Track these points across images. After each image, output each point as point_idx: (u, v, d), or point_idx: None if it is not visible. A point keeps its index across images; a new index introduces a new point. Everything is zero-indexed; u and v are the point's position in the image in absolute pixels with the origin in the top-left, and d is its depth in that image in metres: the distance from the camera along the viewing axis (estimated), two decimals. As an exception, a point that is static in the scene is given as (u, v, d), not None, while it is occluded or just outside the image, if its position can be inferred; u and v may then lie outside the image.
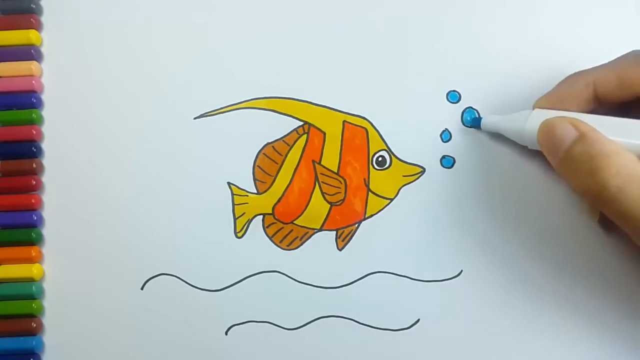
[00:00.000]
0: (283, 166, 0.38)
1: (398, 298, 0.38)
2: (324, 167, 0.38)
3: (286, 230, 0.38)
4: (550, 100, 0.31)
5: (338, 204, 0.38)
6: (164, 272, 0.38)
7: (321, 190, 0.38)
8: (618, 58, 0.32)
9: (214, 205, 0.38)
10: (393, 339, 0.38)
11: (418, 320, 0.38)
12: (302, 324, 0.38)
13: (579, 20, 0.40)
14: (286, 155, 0.38)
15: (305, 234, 0.38)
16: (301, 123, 0.39)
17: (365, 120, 0.39)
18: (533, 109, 0.33)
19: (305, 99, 0.39)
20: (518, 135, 0.35)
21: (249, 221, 0.38)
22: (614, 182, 0.27)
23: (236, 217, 0.38)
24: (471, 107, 0.39)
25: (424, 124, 0.39)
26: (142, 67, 0.39)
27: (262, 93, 0.39)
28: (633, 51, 0.32)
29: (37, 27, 0.39)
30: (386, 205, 0.38)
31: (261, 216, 0.38)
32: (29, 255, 0.37)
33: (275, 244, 0.38)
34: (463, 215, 0.38)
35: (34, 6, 0.39)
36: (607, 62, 0.33)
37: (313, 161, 0.38)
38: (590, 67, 0.34)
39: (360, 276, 0.38)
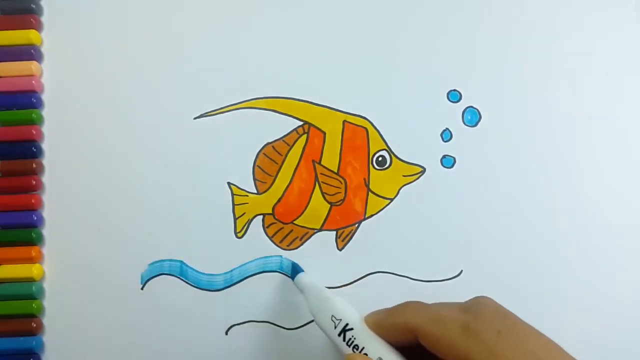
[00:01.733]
0: (283, 166, 0.38)
1: (398, 298, 0.38)
2: (324, 167, 0.38)
3: (286, 230, 0.38)
4: (374, 326, 0.31)
5: (338, 204, 0.38)
6: (164, 272, 0.38)
7: (321, 190, 0.38)
8: (448, 314, 0.29)
9: (214, 205, 0.38)
10: (393, 339, 0.37)
11: (418, 321, 0.38)
12: (302, 324, 0.38)
13: (579, 21, 0.40)
14: (286, 155, 0.38)
15: (305, 234, 0.38)
16: (301, 123, 0.39)
17: (365, 120, 0.39)
18: (364, 320, 0.31)
19: (305, 99, 0.39)
20: (312, 313, 0.33)
21: (249, 221, 0.38)
22: None
23: (236, 217, 0.38)
24: (472, 107, 0.39)
25: (425, 123, 0.39)
26: (142, 67, 0.39)
27: (262, 93, 0.39)
28: (467, 312, 0.29)
29: (37, 27, 0.39)
30: (386, 205, 0.38)
31: (261, 216, 0.38)
32: (29, 255, 0.37)
33: (275, 244, 0.38)
34: (463, 215, 0.38)
35: (34, 6, 0.39)
36: (441, 308, 0.30)
37: (313, 161, 0.38)
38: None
39: (360, 276, 0.38)
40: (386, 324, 0.31)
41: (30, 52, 0.38)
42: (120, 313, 0.37)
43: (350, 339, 0.31)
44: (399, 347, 0.30)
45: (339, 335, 0.31)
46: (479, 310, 0.29)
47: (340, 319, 0.31)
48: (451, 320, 0.29)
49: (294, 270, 0.37)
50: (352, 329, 0.31)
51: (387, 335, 0.30)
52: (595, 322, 0.38)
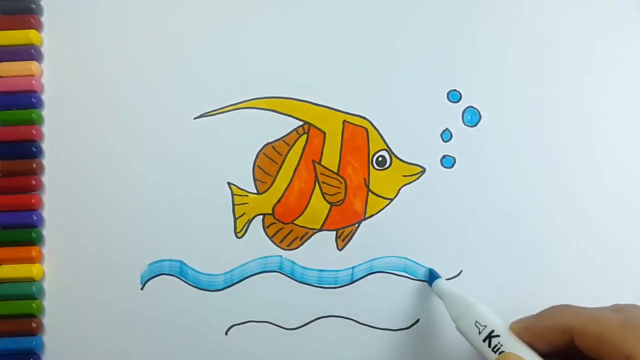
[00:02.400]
0: (283, 166, 0.38)
1: (398, 298, 0.38)
2: (324, 167, 0.38)
3: (286, 230, 0.38)
4: (523, 332, 0.31)
5: (338, 204, 0.38)
6: (164, 272, 0.38)
7: (321, 190, 0.38)
8: (605, 313, 0.30)
9: (214, 205, 0.38)
10: (393, 339, 0.37)
11: (418, 320, 0.38)
12: (302, 324, 0.38)
13: (579, 21, 0.40)
14: (286, 155, 0.38)
15: (305, 234, 0.38)
16: (301, 123, 0.39)
17: (365, 120, 0.39)
18: (510, 327, 0.32)
19: (305, 99, 0.39)
20: (454, 318, 0.34)
21: (249, 221, 0.38)
22: None
23: (236, 217, 0.38)
24: (472, 107, 0.39)
25: (425, 123, 0.39)
26: (142, 67, 0.39)
27: (262, 93, 0.39)
28: (620, 312, 0.30)
29: (37, 27, 0.39)
30: (386, 205, 0.38)
31: (261, 216, 0.38)
32: (29, 255, 0.37)
33: (276, 244, 0.38)
34: (463, 215, 0.38)
35: (34, 6, 0.39)
36: (594, 309, 0.31)
37: (313, 161, 0.38)
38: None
39: (360, 276, 0.38)
40: (538, 328, 0.31)
41: (30, 52, 0.38)
42: (120, 313, 0.37)
43: (496, 345, 0.31)
44: (543, 356, 0.30)
45: (484, 341, 0.31)
46: (631, 310, 0.30)
47: (485, 325, 0.32)
48: (610, 319, 0.29)
49: (432, 276, 0.37)
50: (498, 335, 0.31)
51: (537, 340, 0.31)
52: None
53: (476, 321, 0.32)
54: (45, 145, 0.38)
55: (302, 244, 0.38)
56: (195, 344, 0.37)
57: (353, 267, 0.38)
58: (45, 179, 0.38)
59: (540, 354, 0.30)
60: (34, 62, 0.38)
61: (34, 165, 0.38)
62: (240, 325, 0.38)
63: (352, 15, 0.39)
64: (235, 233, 0.38)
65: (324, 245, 0.38)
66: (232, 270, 0.38)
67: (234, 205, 0.38)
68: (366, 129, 0.39)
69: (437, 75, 0.39)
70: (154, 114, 0.39)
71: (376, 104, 0.39)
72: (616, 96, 0.39)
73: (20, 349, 0.37)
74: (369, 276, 0.38)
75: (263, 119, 0.39)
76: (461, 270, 0.38)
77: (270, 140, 0.39)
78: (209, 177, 0.38)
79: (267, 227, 0.38)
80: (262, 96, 0.39)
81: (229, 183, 0.38)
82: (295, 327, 0.38)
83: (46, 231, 0.38)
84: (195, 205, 0.38)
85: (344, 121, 0.39)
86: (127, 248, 0.38)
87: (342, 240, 0.38)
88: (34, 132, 0.38)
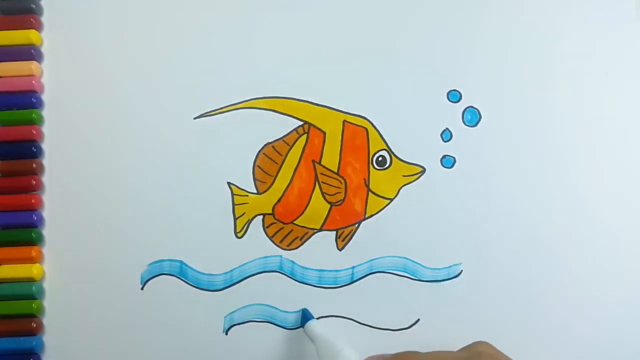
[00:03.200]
0: (283, 166, 0.38)
1: (398, 298, 0.38)
2: (324, 167, 0.38)
3: (286, 230, 0.38)
4: None
5: (338, 204, 0.38)
6: (164, 272, 0.38)
7: (321, 190, 0.38)
8: (448, 355, 0.32)
9: (214, 205, 0.38)
10: (393, 339, 0.38)
11: (418, 320, 0.38)
12: (302, 324, 0.38)
13: (579, 21, 0.40)
14: (286, 155, 0.38)
15: (305, 234, 0.38)
16: (301, 123, 0.39)
17: (365, 120, 0.39)
18: None
19: (305, 99, 0.39)
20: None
21: (249, 221, 0.38)
22: None
23: (236, 217, 0.38)
24: (472, 107, 0.39)
25: (425, 123, 0.39)
26: (142, 67, 0.39)
27: (262, 93, 0.39)
28: (465, 351, 0.33)
29: (37, 27, 0.39)
30: (386, 205, 0.38)
31: (261, 216, 0.38)
32: (29, 255, 0.37)
33: (275, 244, 0.38)
34: (463, 215, 0.38)
35: (34, 6, 0.39)
36: (440, 353, 0.33)
37: (313, 161, 0.38)
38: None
39: (360, 276, 0.38)
40: None
41: (30, 52, 0.38)
42: (120, 313, 0.37)
43: None
44: None
45: None
46: (474, 347, 0.31)
47: None
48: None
49: (305, 317, 0.37)
50: None
51: None
52: (594, 322, 0.38)
53: None
54: (45, 145, 0.38)
55: (302, 244, 0.38)
56: (196, 344, 0.37)
57: (353, 267, 0.38)
58: (45, 179, 0.38)
59: None
60: (34, 62, 0.38)
61: (34, 165, 0.38)
62: (240, 325, 0.38)
63: (352, 15, 0.39)
64: (235, 233, 0.38)
65: (324, 245, 0.38)
66: (232, 270, 0.38)
67: (234, 205, 0.38)
68: (366, 129, 0.39)
69: (437, 75, 0.39)
70: (154, 114, 0.39)
71: (376, 104, 0.39)
72: (616, 96, 0.39)
73: (20, 349, 0.37)
74: (369, 276, 0.38)
75: (263, 119, 0.39)
76: (461, 270, 0.38)
77: (270, 140, 0.39)
78: (209, 177, 0.38)
79: (267, 227, 0.38)
80: (262, 96, 0.39)
81: (229, 183, 0.38)
82: (295, 327, 0.38)
83: (46, 231, 0.38)
84: (195, 205, 0.38)
85: (344, 121, 0.39)
86: (127, 248, 0.38)
87: (342, 240, 0.38)
88: (34, 132, 0.38)
